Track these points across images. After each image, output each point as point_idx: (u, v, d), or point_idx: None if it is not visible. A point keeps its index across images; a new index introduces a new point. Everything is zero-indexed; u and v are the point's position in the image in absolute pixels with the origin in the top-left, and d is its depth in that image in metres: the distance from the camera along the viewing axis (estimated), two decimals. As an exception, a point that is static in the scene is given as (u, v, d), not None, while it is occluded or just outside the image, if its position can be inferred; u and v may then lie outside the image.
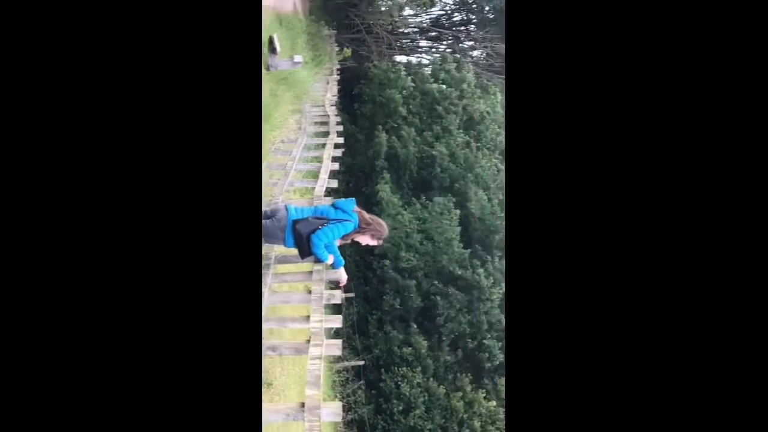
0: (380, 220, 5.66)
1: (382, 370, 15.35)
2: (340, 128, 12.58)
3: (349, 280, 6.34)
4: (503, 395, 15.15)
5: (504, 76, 21.18)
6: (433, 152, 17.69)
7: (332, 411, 4.35)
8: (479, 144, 18.23)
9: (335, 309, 12.10)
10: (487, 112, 18.97)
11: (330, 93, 15.71)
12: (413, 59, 25.92)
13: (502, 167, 18.05)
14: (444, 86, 19.47)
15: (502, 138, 18.67)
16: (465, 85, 19.20)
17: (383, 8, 20.36)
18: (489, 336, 15.35)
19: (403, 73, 19.55)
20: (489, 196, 17.21)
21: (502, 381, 15.32)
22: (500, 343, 15.30)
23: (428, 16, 25.40)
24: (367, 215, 5.59)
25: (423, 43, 26.75)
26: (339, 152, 10.87)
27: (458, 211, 16.41)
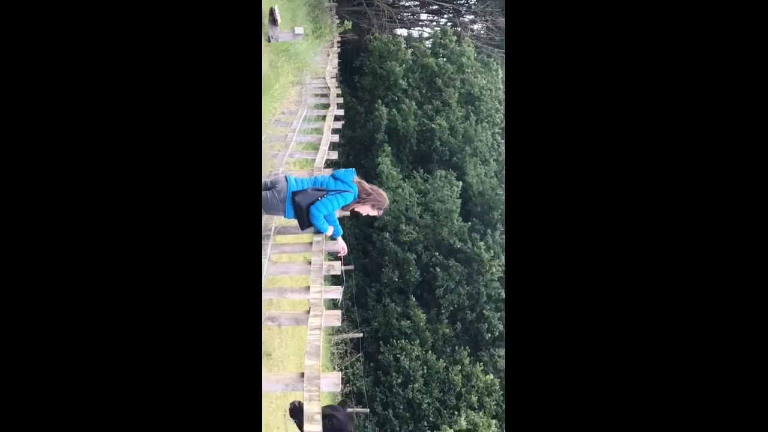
0: (380, 190, 5.64)
1: (381, 342, 15.42)
2: (341, 100, 12.54)
3: (348, 252, 6.34)
4: (500, 366, 15.26)
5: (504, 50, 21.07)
6: (433, 125, 17.65)
7: (332, 381, 4.36)
8: (478, 118, 18.19)
9: (335, 280, 12.11)
10: (489, 89, 18.89)
11: (330, 65, 15.66)
12: (414, 32, 25.77)
13: (502, 141, 18.03)
14: (444, 60, 19.38)
15: (502, 114, 18.63)
16: (465, 59, 19.11)
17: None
18: (488, 308, 15.42)
19: (403, 46, 19.44)
20: (488, 170, 17.20)
21: (500, 353, 15.41)
22: (499, 314, 15.36)
23: (429, -11, 25.24)
24: (367, 185, 5.57)
25: (423, 16, 26.58)
26: (339, 124, 10.84)
27: (460, 183, 16.40)
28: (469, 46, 19.53)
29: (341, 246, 5.84)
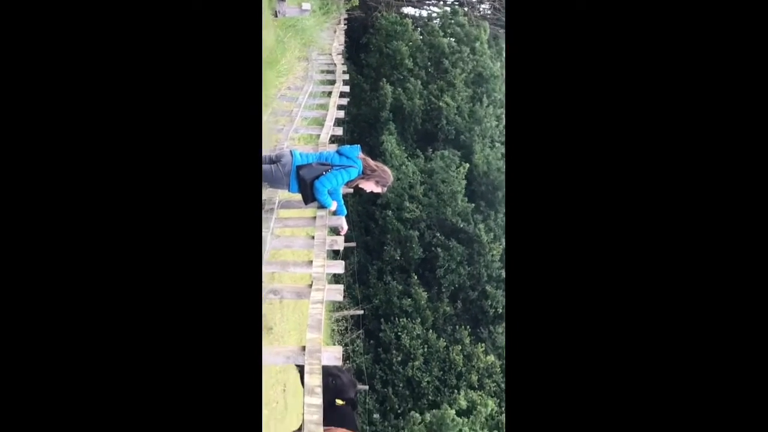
0: (385, 167, 5.65)
1: (382, 320, 15.46)
2: (346, 77, 12.51)
3: (350, 229, 6.35)
4: (499, 343, 15.31)
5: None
6: (440, 104, 17.60)
7: (332, 355, 4.37)
8: (490, 100, 18.12)
9: (337, 255, 12.15)
10: (496, 76, 18.78)
11: (337, 42, 15.61)
12: (423, 12, 25.63)
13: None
14: (454, 40, 19.29)
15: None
16: (478, 45, 18.99)
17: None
18: (490, 286, 15.44)
19: (410, 26, 19.35)
20: (494, 152, 17.17)
21: (498, 330, 15.45)
22: (500, 291, 15.37)
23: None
24: (372, 162, 5.58)
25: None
26: (344, 101, 10.82)
27: (467, 165, 16.37)
28: (485, 31, 19.36)
29: (342, 225, 5.84)
